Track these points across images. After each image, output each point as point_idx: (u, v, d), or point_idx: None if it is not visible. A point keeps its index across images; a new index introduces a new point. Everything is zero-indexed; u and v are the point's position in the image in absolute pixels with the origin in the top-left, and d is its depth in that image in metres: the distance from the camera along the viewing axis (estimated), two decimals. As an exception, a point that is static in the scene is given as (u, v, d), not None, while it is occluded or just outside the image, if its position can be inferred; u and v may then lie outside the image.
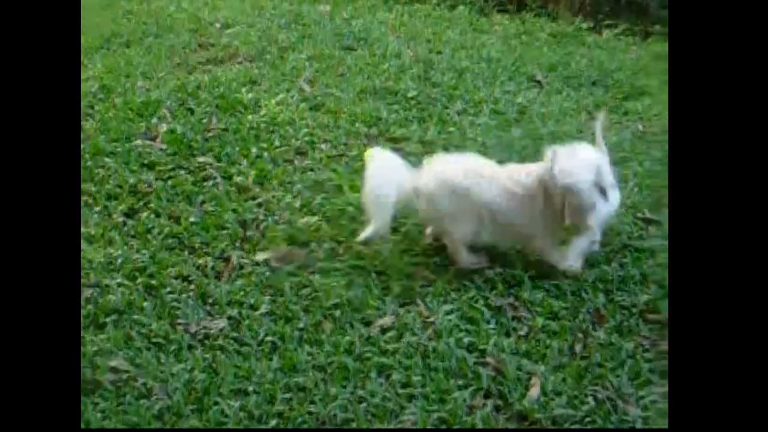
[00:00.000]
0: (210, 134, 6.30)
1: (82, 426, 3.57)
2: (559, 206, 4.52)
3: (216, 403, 3.73)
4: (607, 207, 4.70)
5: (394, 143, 6.28)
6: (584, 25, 10.20)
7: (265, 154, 6.01)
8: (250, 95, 6.99)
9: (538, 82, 8.05)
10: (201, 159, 5.94)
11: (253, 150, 6.03)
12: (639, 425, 3.73)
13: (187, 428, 3.58)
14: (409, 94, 7.27)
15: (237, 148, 6.06)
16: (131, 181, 5.62)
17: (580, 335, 4.28)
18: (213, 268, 4.74)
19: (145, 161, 5.95)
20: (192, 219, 5.16)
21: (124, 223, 5.21)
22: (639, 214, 5.46)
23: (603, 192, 4.54)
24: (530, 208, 4.65)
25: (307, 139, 6.33)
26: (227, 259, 4.80)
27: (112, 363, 4.00)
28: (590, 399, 3.87)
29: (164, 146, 6.10)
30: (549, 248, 4.73)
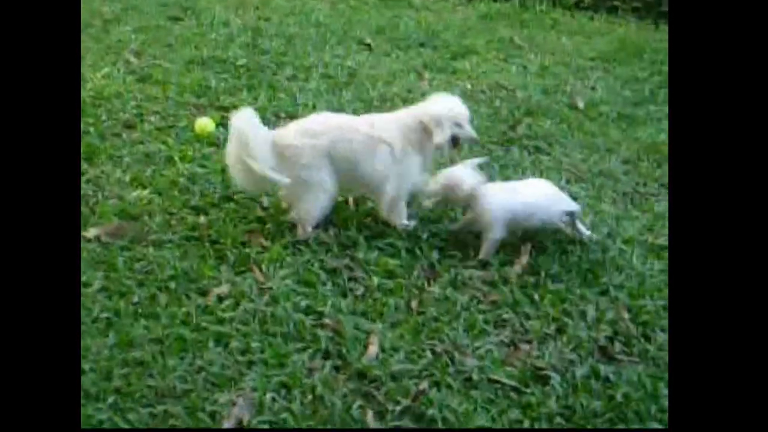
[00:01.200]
0: (33, 111, 6.11)
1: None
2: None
3: (51, 384, 3.64)
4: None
5: (224, 112, 6.23)
6: (411, -12, 10.30)
7: (92, 129, 5.87)
8: (74, 70, 6.80)
9: (368, 45, 8.12)
10: (25, 137, 5.76)
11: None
12: (476, 375, 3.82)
13: (185, 428, 3.49)
14: (238, 63, 7.24)
15: (62, 124, 5.90)
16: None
17: (415, 291, 4.36)
18: (42, 247, 4.61)
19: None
20: (18, 199, 5.00)
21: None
22: (469, 171, 5.56)
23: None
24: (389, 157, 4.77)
25: (135, 111, 6.23)
26: (57, 238, 4.68)
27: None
28: (428, 352, 3.95)
29: (-15, 126, 5.89)
30: (395, 203, 4.82)
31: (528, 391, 3.78)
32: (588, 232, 4.89)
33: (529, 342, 4.09)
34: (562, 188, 5.43)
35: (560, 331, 4.17)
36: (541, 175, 5.63)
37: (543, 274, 4.54)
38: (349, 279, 4.41)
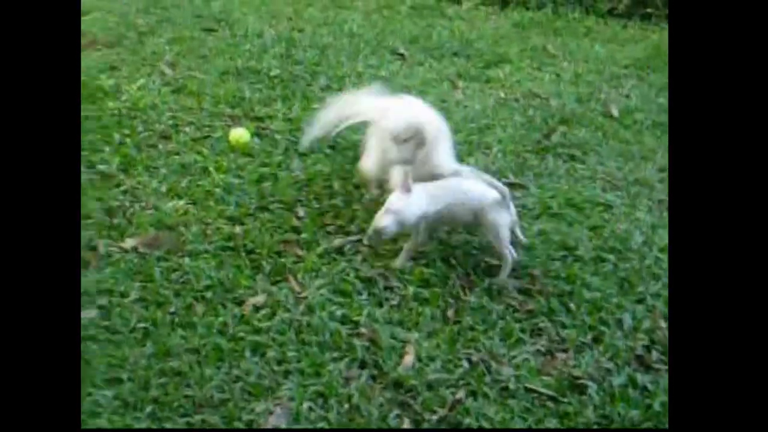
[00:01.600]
0: (70, 123, 6.16)
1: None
2: None
3: (89, 394, 3.66)
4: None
5: (259, 122, 6.28)
6: (444, -3, 10.33)
7: (128, 140, 5.90)
8: (110, 81, 6.86)
9: (401, 54, 8.13)
10: (62, 148, 5.80)
11: (116, 136, 5.92)
12: (513, 384, 3.82)
13: (185, 428, 3.51)
14: (272, 73, 7.25)
15: (99, 136, 5.94)
16: (-10, 175, 5.47)
17: (451, 300, 4.36)
18: (80, 258, 4.64)
19: (4, 153, 5.79)
20: (55, 210, 5.04)
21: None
22: (504, 179, 5.56)
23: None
24: None
25: (170, 122, 6.26)
26: (94, 248, 4.70)
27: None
28: (464, 362, 3.95)
29: (23, 137, 5.93)
30: None
31: (565, 400, 3.77)
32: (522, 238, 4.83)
33: (565, 351, 4.08)
34: (596, 196, 5.43)
35: (597, 340, 4.15)
36: (575, 184, 5.62)
37: (578, 282, 4.52)
38: (385, 288, 4.42)
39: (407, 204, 4.43)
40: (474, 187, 4.58)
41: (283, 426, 3.52)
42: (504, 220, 4.51)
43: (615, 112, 6.97)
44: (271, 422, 3.53)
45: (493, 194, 4.50)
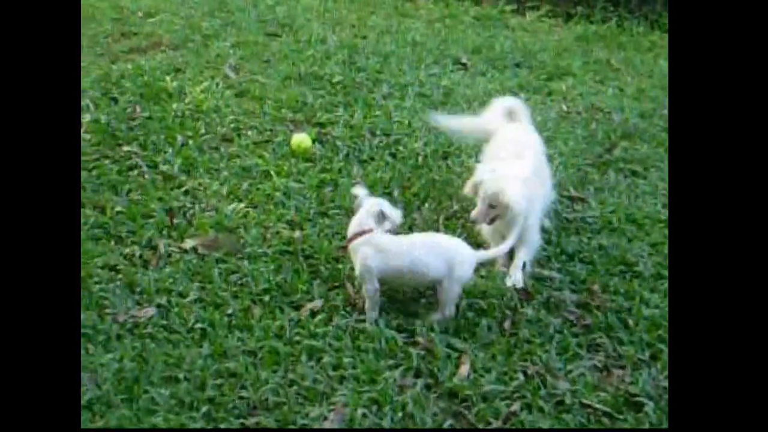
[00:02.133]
0: (135, 123, 6.23)
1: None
2: None
3: (146, 392, 3.70)
4: None
5: (321, 128, 6.30)
6: (508, 8, 10.33)
7: (191, 141, 5.97)
8: (174, 83, 6.93)
9: (463, 64, 8.12)
10: (126, 148, 5.88)
11: (179, 138, 5.98)
12: (568, 399, 3.79)
13: (188, 428, 3.54)
14: (335, 79, 7.28)
15: (162, 137, 6.01)
16: (55, 172, 5.54)
17: (508, 312, 4.33)
18: (140, 257, 4.69)
19: (69, 152, 5.86)
20: (118, 208, 5.11)
21: (49, 215, 5.13)
22: (565, 192, 5.54)
23: None
24: None
25: (232, 125, 6.31)
26: (155, 248, 4.76)
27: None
28: (520, 374, 3.92)
29: (88, 136, 6.01)
30: None
31: (621, 417, 3.73)
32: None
33: (622, 367, 4.04)
34: (657, 212, 5.37)
35: (654, 357, 4.10)
36: (636, 199, 5.57)
37: (637, 299, 4.47)
38: (442, 298, 4.41)
39: None
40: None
41: (337, 432, 3.53)
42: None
43: (678, 129, 6.89)
44: (326, 427, 3.54)
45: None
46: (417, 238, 4.46)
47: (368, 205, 4.36)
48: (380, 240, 4.25)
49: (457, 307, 4.29)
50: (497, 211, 4.59)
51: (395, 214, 4.37)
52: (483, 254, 4.48)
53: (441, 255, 4.25)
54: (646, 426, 3.66)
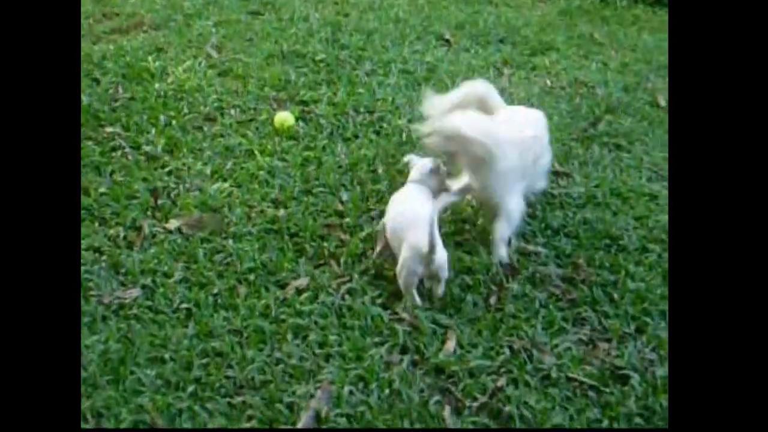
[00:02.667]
0: (117, 104, 6.20)
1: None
2: None
3: (132, 373, 3.69)
4: None
5: (304, 106, 6.28)
6: (491, -17, 10.24)
7: (174, 121, 5.94)
8: (156, 63, 6.89)
9: (447, 40, 8.09)
10: (109, 129, 5.84)
11: (162, 118, 5.95)
12: (554, 373, 3.80)
13: (189, 428, 3.53)
14: (318, 57, 7.24)
15: (145, 117, 5.98)
16: (37, 154, 5.51)
17: (493, 287, 4.34)
18: (125, 238, 4.67)
19: (51, 133, 5.83)
20: (101, 190, 5.08)
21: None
22: (549, 167, 5.53)
23: None
24: None
25: (215, 105, 6.28)
26: (139, 229, 4.74)
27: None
28: (506, 349, 3.93)
29: (70, 117, 5.96)
30: None
31: (607, 390, 3.74)
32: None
33: (608, 341, 4.05)
34: (642, 186, 5.38)
35: (640, 330, 4.11)
36: (621, 173, 5.57)
37: (622, 272, 4.48)
38: (427, 274, 4.40)
39: None
40: None
41: (324, 409, 3.52)
42: None
43: (662, 102, 6.88)
44: (312, 405, 3.54)
45: None
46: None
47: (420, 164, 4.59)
48: None
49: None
50: (454, 146, 4.47)
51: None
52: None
53: None
54: (632, 399, 3.68)
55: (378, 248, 4.50)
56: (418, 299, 4.16)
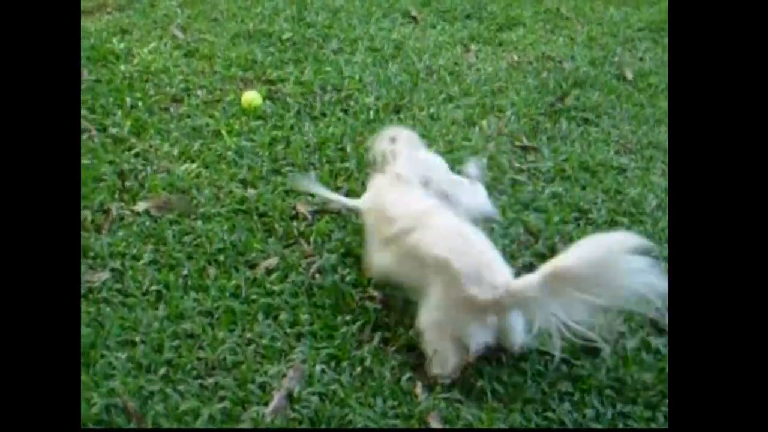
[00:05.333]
0: (82, 87, 6.14)
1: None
2: None
3: (103, 356, 3.67)
4: None
5: (271, 85, 6.26)
6: (456, -41, 10.21)
7: (140, 103, 5.89)
8: (121, 45, 6.83)
9: (413, 17, 8.06)
10: (74, 112, 5.79)
11: (128, 100, 5.90)
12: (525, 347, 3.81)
13: (193, 428, 3.51)
14: (284, 36, 7.21)
15: (111, 99, 5.93)
16: (2, 138, 5.46)
17: (463, 263, 4.33)
18: (92, 221, 4.63)
19: (16, 117, 5.77)
20: (68, 173, 5.03)
21: (-2, 182, 5.06)
22: (517, 142, 5.56)
23: None
24: None
25: (182, 86, 6.23)
26: (106, 211, 4.70)
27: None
28: (476, 325, 3.93)
29: (35, 101, 5.91)
30: None
31: (578, 363, 3.77)
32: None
33: (579, 314, 4.07)
34: (610, 159, 5.41)
35: (609, 302, 4.14)
36: (589, 147, 5.59)
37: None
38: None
39: None
40: None
41: (296, 388, 3.52)
42: None
43: (629, 75, 6.91)
44: (285, 385, 3.54)
45: None
46: None
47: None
48: None
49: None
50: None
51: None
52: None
53: None
54: (603, 371, 3.71)
55: None
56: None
